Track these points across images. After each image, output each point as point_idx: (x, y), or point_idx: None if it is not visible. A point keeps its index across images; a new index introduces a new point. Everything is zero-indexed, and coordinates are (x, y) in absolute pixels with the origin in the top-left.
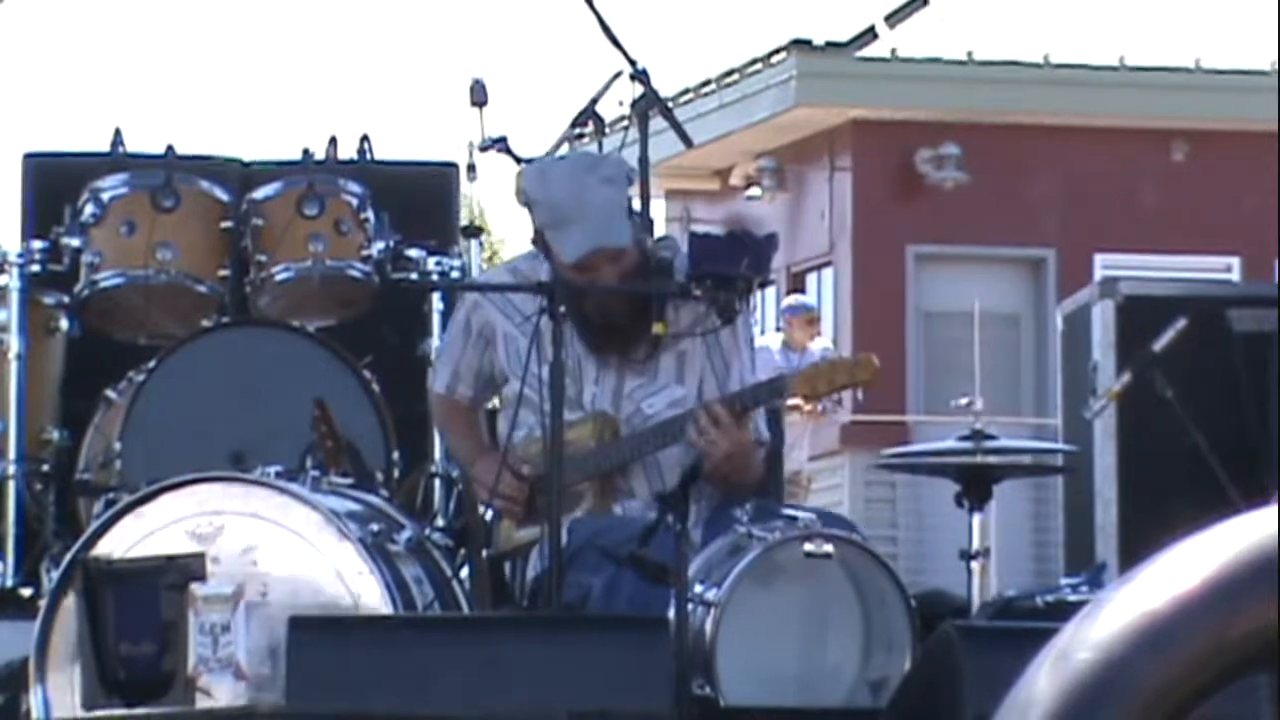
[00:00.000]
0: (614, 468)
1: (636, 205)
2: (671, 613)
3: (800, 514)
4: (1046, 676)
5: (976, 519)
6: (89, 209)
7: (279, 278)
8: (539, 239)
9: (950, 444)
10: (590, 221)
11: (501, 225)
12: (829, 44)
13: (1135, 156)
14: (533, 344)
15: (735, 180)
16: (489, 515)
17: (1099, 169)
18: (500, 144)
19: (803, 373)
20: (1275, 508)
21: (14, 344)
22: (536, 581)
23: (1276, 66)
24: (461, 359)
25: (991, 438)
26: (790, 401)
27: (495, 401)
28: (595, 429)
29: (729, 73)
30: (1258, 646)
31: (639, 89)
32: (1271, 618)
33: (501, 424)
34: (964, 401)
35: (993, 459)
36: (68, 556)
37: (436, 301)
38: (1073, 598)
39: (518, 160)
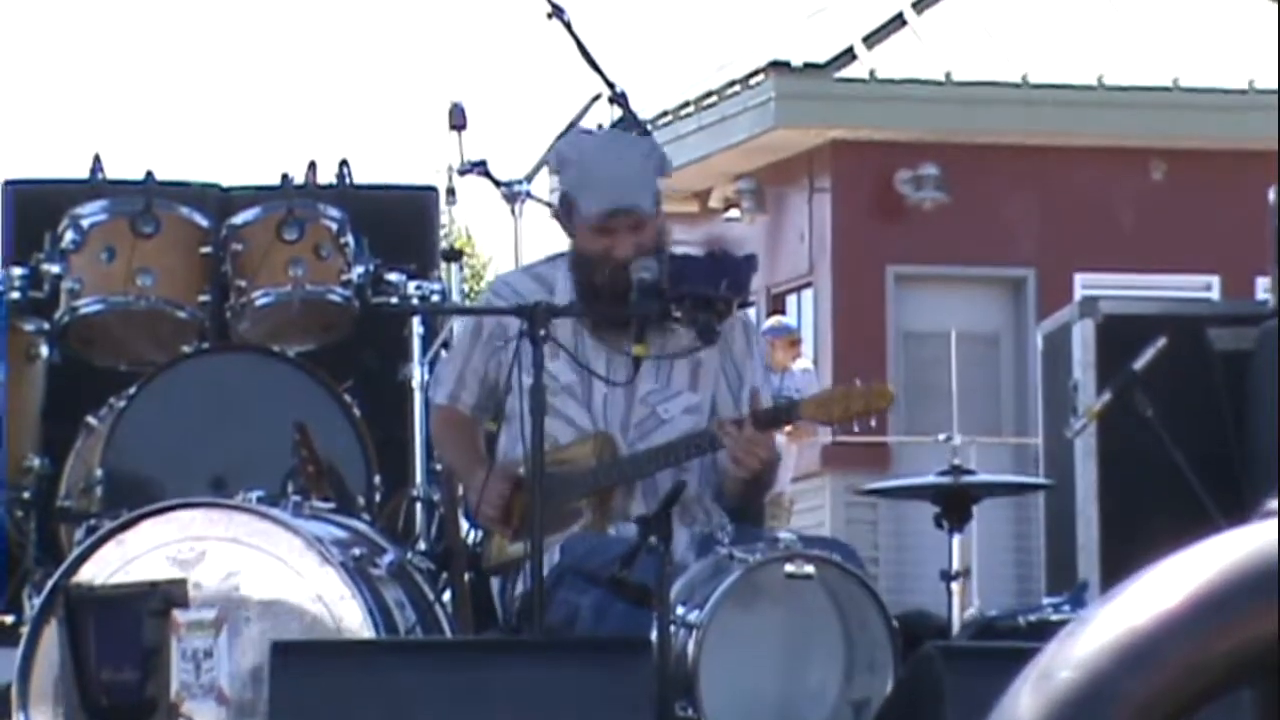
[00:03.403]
0: (613, 485)
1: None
2: (654, 635)
3: (782, 535)
4: (1029, 696)
5: (956, 540)
6: (69, 235)
7: (259, 303)
8: (563, 207)
9: (929, 479)
10: (618, 183)
11: (487, 247)
12: (807, 65)
13: (1114, 176)
14: (513, 367)
15: (714, 202)
16: (477, 535)
17: (1078, 189)
18: (480, 168)
19: (816, 398)
20: (1256, 525)
21: None
22: (526, 599)
23: (1277, 87)
24: (467, 365)
25: (970, 472)
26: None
27: (493, 424)
28: (596, 448)
29: (707, 95)
30: (1240, 662)
31: (618, 112)
32: (1253, 633)
33: (502, 439)
34: (942, 438)
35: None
36: (49, 583)
37: (417, 325)
38: (1054, 617)
39: (497, 184)
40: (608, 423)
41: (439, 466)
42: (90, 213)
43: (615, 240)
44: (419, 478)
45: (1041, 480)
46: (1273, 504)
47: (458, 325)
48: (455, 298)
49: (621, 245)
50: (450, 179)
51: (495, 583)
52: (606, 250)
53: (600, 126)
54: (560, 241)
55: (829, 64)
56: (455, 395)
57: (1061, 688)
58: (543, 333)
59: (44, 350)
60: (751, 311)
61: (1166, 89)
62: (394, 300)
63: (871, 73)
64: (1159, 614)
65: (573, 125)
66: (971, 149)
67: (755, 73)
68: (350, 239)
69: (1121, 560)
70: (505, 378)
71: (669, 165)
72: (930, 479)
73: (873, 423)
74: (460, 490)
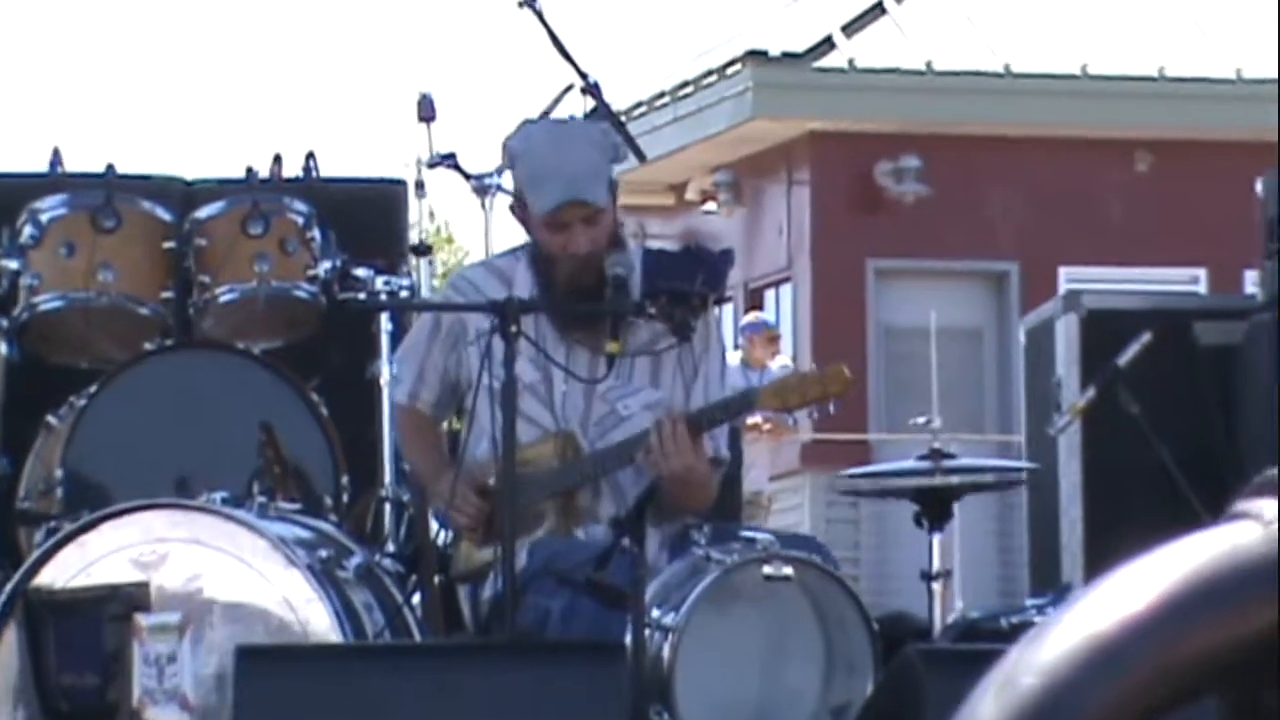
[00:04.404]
0: (577, 485)
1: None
2: (628, 638)
3: (759, 535)
4: (991, 703)
5: (937, 539)
6: (27, 230)
7: (223, 299)
8: (518, 202)
9: (909, 464)
10: (567, 176)
11: (465, 241)
12: (785, 55)
13: (1098, 167)
14: (484, 363)
15: (691, 195)
16: (447, 537)
17: (1061, 180)
18: (449, 160)
19: (772, 386)
20: (1226, 525)
21: None
22: (493, 604)
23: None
24: (426, 361)
25: (950, 456)
26: (749, 420)
27: (456, 423)
28: (558, 447)
29: (683, 85)
30: (1208, 669)
31: (590, 102)
32: (1221, 640)
33: (465, 439)
34: (922, 420)
35: (952, 479)
36: (8, 587)
37: (385, 322)
38: (1038, 619)
39: (466, 176)
40: (568, 421)
41: (408, 467)
42: (49, 207)
43: (569, 235)
44: (388, 478)
45: (1023, 464)
46: (1244, 504)
47: (415, 321)
48: (425, 293)
49: (576, 240)
50: (419, 172)
51: (463, 591)
52: (563, 247)
53: (573, 117)
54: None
55: (807, 53)
56: (415, 394)
57: (1024, 694)
58: (514, 329)
59: (2, 348)
60: (729, 307)
61: (1152, 79)
62: (362, 296)
63: (851, 62)
64: (1124, 618)
65: (544, 117)
66: (953, 140)
67: (732, 62)
68: (317, 233)
69: (1105, 561)
70: (467, 374)
71: (623, 152)
72: (910, 463)
73: (831, 409)
74: (427, 496)
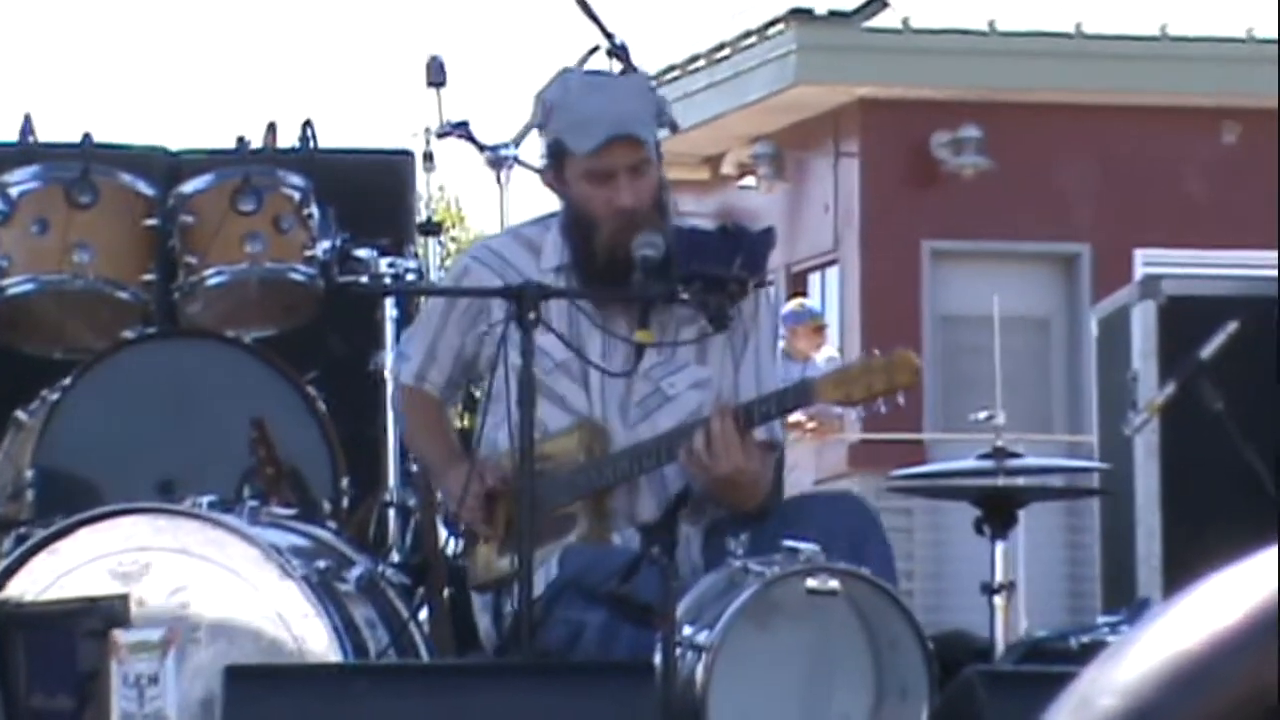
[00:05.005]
0: (607, 485)
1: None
2: (658, 658)
3: (803, 545)
4: None
5: (999, 548)
6: None
7: (211, 282)
8: (553, 158)
9: (969, 463)
10: (612, 115)
11: (479, 220)
12: (832, 13)
13: (1180, 139)
14: (500, 351)
15: (727, 168)
16: (458, 546)
17: (1139, 154)
18: (461, 129)
19: (832, 375)
20: None
21: None
22: (517, 616)
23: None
24: (440, 338)
25: (1015, 455)
26: (790, 419)
27: (466, 421)
28: (582, 440)
29: (720, 47)
30: None
31: (618, 66)
32: None
33: (485, 422)
34: (984, 415)
35: (1017, 480)
36: None
37: (390, 308)
38: (1110, 638)
39: (480, 147)
40: (605, 402)
41: (415, 468)
42: (20, 180)
43: (615, 187)
44: (392, 480)
45: (1095, 465)
46: None
47: (426, 300)
48: (434, 276)
49: (623, 193)
50: (428, 142)
51: (480, 600)
52: (607, 201)
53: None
54: (552, 204)
55: (857, 12)
56: (423, 374)
57: (1102, 716)
58: (533, 316)
59: None
60: (771, 292)
61: (1239, 40)
62: (364, 279)
63: (905, 22)
64: (1214, 634)
65: None
66: (1018, 109)
67: (774, 22)
68: (315, 210)
69: (1186, 573)
70: (490, 351)
71: (667, 110)
72: (970, 463)
73: (900, 401)
74: (435, 487)
